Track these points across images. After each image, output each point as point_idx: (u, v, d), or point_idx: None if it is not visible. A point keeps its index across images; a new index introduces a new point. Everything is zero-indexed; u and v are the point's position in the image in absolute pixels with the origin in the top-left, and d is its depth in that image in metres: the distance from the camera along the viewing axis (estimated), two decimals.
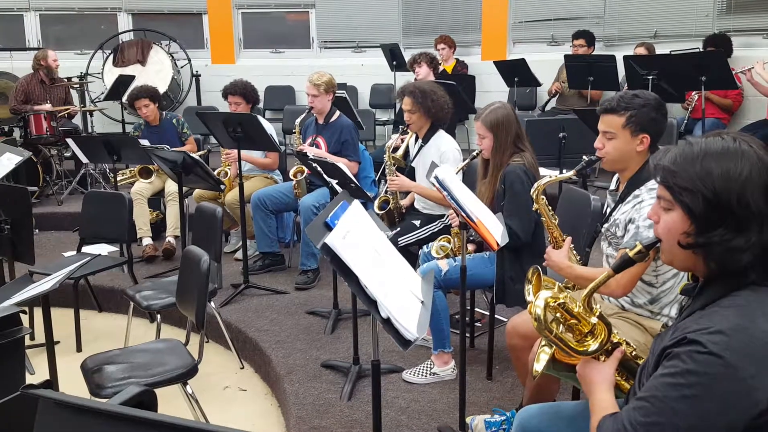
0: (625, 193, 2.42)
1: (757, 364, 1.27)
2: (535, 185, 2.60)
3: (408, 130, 4.10)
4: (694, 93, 5.96)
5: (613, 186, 2.58)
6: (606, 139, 2.41)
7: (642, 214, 2.29)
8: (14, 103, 6.90)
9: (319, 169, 3.63)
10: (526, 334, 2.64)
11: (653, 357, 1.45)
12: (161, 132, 5.63)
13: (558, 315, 1.75)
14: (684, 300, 1.56)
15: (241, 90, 5.10)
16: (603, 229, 2.52)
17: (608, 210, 2.54)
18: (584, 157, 2.54)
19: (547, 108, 7.04)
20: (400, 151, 4.24)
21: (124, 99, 5.82)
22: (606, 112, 2.40)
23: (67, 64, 8.02)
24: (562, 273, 2.48)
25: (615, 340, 1.76)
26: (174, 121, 5.71)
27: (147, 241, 5.32)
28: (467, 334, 3.61)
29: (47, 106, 6.78)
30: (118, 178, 5.54)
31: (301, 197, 4.71)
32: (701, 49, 6.16)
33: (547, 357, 1.85)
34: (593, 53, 6.83)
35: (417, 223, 3.97)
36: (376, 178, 5.15)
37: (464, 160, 3.64)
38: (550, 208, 2.64)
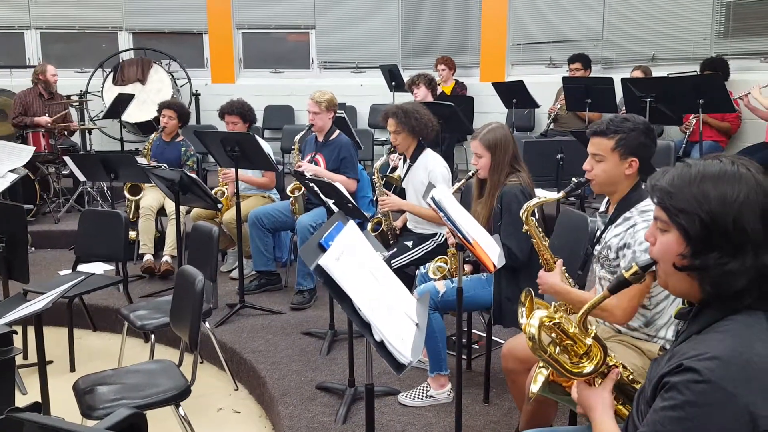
0: (615, 215, 2.42)
1: (756, 389, 1.25)
2: (524, 207, 2.56)
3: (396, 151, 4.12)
4: (692, 116, 5.97)
5: (602, 208, 2.57)
6: (595, 161, 2.41)
7: (637, 238, 2.28)
8: (14, 115, 6.91)
9: (315, 188, 3.62)
10: (522, 358, 2.61)
11: (650, 384, 1.43)
12: (167, 150, 5.58)
13: (553, 335, 1.73)
14: (679, 324, 1.54)
15: (238, 110, 5.11)
16: (595, 252, 2.50)
17: (599, 232, 2.52)
18: (573, 179, 2.53)
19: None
20: (398, 171, 4.24)
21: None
22: (595, 134, 2.40)
23: (67, 82, 8.05)
24: (557, 297, 2.46)
25: (611, 363, 1.74)
26: (183, 149, 5.58)
27: (148, 257, 5.31)
28: (464, 357, 3.57)
29: (46, 117, 6.77)
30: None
31: (298, 215, 4.71)
32: (698, 72, 6.19)
33: (544, 378, 1.83)
34: (591, 75, 6.87)
35: (409, 243, 3.97)
36: (374, 198, 5.14)
37: (460, 180, 3.63)
38: (541, 229, 2.62)
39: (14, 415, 1.20)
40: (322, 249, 1.70)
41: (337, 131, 4.84)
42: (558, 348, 1.74)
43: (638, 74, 6.40)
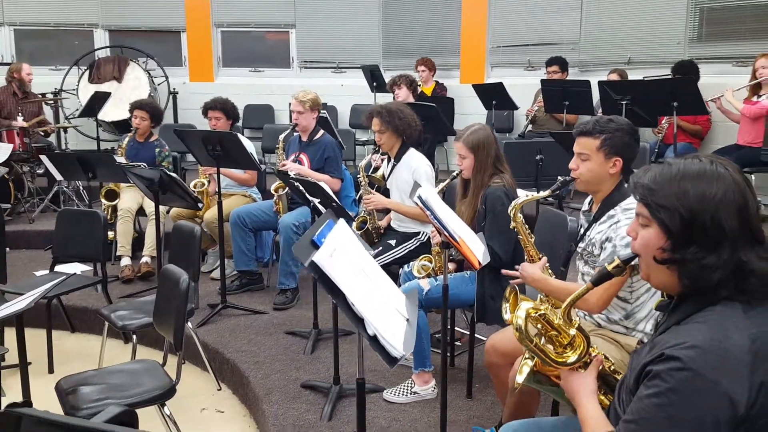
0: (600, 213, 2.50)
1: (734, 376, 1.31)
2: (513, 204, 2.66)
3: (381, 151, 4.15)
4: (664, 120, 6.08)
5: (585, 207, 2.64)
6: (580, 160, 2.49)
7: (619, 233, 2.35)
8: None
9: (300, 187, 3.63)
10: (505, 352, 2.67)
11: (632, 373, 1.48)
12: (141, 150, 5.52)
13: (539, 326, 1.79)
14: (659, 316, 1.60)
15: (221, 105, 5.10)
16: (579, 249, 2.57)
17: (582, 230, 2.59)
18: (559, 177, 2.60)
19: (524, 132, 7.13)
20: (380, 171, 4.27)
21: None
22: (582, 134, 2.48)
23: (42, 80, 7.94)
24: (536, 285, 2.53)
25: (593, 353, 1.80)
26: (157, 150, 5.51)
27: (126, 261, 5.24)
28: (447, 353, 3.61)
29: (21, 122, 6.69)
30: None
31: (282, 213, 4.70)
32: (671, 75, 6.31)
33: (529, 369, 1.88)
34: (568, 78, 6.95)
35: (393, 242, 3.99)
36: (357, 198, 5.16)
37: (443, 180, 3.67)
38: (527, 226, 2.68)
39: (13, 410, 1.20)
40: (316, 246, 1.72)
41: (322, 131, 4.84)
42: (543, 338, 1.80)
43: (614, 77, 6.50)
